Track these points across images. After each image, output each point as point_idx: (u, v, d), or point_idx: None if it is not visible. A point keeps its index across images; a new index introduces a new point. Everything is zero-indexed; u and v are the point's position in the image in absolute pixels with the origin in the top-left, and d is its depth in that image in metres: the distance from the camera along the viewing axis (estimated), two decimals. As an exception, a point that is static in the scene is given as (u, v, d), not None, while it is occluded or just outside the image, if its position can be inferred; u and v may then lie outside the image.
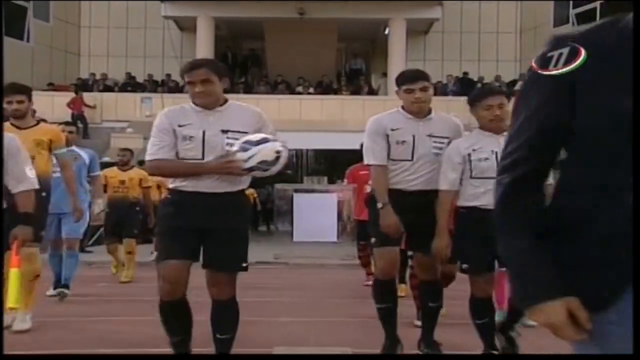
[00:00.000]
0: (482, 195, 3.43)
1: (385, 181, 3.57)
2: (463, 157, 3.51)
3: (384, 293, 3.69)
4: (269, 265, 9.32)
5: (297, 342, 4.16)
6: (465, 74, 17.93)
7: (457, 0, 18.33)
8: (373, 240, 3.68)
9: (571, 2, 17.37)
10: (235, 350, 3.35)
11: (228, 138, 2.99)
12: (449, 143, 3.63)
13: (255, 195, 14.90)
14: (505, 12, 18.99)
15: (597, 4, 16.58)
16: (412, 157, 3.55)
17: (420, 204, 3.53)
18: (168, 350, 3.26)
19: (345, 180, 7.39)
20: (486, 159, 3.47)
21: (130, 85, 17.90)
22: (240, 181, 3.11)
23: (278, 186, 15.19)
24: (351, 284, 7.21)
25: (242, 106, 3.22)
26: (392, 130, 3.56)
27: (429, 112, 3.64)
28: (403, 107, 3.62)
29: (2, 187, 3.67)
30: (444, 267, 4.50)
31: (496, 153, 3.37)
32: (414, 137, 3.55)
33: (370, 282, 6.71)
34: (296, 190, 13.02)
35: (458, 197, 3.59)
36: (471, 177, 3.51)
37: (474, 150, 3.51)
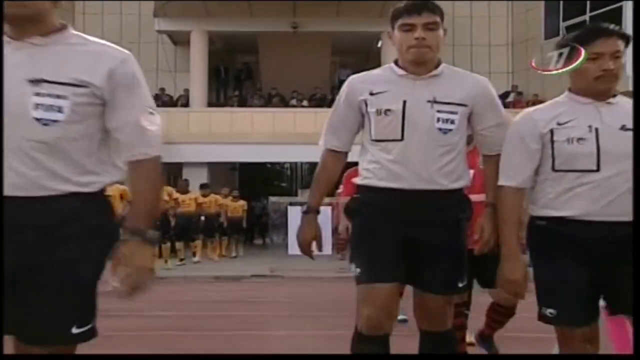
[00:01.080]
0: (572, 199, 2.09)
1: (325, 176, 2.38)
2: (541, 136, 2.14)
3: (369, 355, 2.26)
4: (265, 279, 9.30)
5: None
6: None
7: (449, 5, 18.51)
8: (357, 270, 2.26)
9: (561, 15, 17.56)
10: None
11: (39, 95, 1.61)
12: (469, 117, 2.29)
13: (246, 207, 14.33)
14: (496, 25, 19.16)
15: (587, 17, 16.77)
16: (402, 134, 2.20)
17: (423, 212, 2.21)
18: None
19: (341, 187, 6.64)
20: (580, 139, 2.08)
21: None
22: (88, 166, 1.69)
23: (273, 199, 15.14)
24: (348, 297, 7.20)
25: (94, 44, 1.74)
26: (373, 94, 2.26)
27: (437, 65, 2.28)
28: (396, 62, 2.32)
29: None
30: (499, 297, 3.44)
31: (597, 130, 2.09)
32: (404, 103, 2.20)
33: None
34: (291, 203, 13.05)
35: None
36: (553, 170, 2.14)
37: (559, 124, 2.12)
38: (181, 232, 11.15)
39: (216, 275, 9.67)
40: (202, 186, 12.58)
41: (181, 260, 11.55)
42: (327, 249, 12.14)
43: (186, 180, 12.18)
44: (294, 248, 12.68)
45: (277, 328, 5.15)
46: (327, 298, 7.28)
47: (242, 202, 14.14)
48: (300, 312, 6.12)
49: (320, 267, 10.32)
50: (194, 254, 11.97)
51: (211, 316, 5.88)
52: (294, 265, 10.50)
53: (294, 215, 12.97)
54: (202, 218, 11.93)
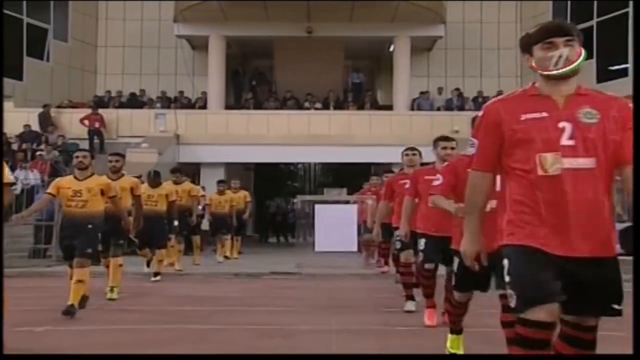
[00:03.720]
0: None
1: None
2: None
3: None
4: (291, 276, 9.41)
5: (319, 351, 4.16)
6: (457, 89, 18.43)
7: (460, 11, 18.93)
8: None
9: (569, 20, 17.87)
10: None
11: None
12: None
13: (249, 199, 12.72)
14: (505, 29, 19.48)
15: (594, 22, 17.06)
16: None
17: None
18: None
19: (383, 191, 6.70)
20: None
21: (142, 101, 18.42)
22: None
23: (298, 197, 15.14)
24: (373, 293, 7.31)
25: None
26: None
27: None
28: None
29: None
30: None
31: None
32: None
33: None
34: (317, 202, 12.93)
35: None
36: None
37: None
38: (145, 236, 7.91)
39: (235, 272, 9.68)
40: (174, 171, 10.24)
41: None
42: (352, 245, 12.23)
43: (157, 172, 9.19)
44: (320, 245, 12.81)
45: (300, 323, 5.15)
46: (353, 294, 7.33)
47: (245, 193, 12.32)
48: (326, 308, 6.10)
49: (343, 264, 10.35)
50: (148, 263, 8.83)
51: (232, 311, 5.98)
52: (321, 262, 10.40)
53: (321, 214, 12.61)
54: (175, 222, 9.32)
